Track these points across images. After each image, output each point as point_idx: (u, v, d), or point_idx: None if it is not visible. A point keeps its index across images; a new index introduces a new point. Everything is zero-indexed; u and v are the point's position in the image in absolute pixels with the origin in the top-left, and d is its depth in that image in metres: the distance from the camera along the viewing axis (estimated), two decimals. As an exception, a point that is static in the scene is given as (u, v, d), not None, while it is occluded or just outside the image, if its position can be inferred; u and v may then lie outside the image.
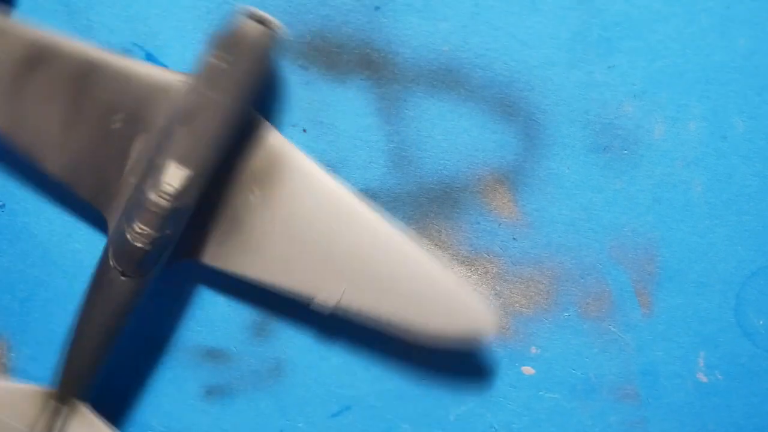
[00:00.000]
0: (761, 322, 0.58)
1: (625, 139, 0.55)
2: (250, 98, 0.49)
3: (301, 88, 0.55)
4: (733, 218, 0.56)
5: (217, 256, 0.53)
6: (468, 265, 0.58)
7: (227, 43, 0.48)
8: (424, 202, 0.57)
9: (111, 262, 0.50)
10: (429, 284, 0.51)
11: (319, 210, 0.51)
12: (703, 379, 0.59)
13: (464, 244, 0.57)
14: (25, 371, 0.61)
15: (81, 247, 0.59)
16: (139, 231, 0.48)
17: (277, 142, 0.51)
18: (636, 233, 0.57)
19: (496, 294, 0.58)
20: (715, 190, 0.56)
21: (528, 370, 0.59)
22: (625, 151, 0.55)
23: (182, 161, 0.47)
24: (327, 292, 0.52)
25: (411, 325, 0.52)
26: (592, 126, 0.55)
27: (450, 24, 0.53)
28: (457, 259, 0.58)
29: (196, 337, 0.60)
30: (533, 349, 0.59)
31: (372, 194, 0.56)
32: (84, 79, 0.50)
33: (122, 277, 0.50)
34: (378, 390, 0.60)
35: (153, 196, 0.47)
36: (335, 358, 0.59)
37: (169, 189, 0.47)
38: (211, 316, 0.59)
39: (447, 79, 0.54)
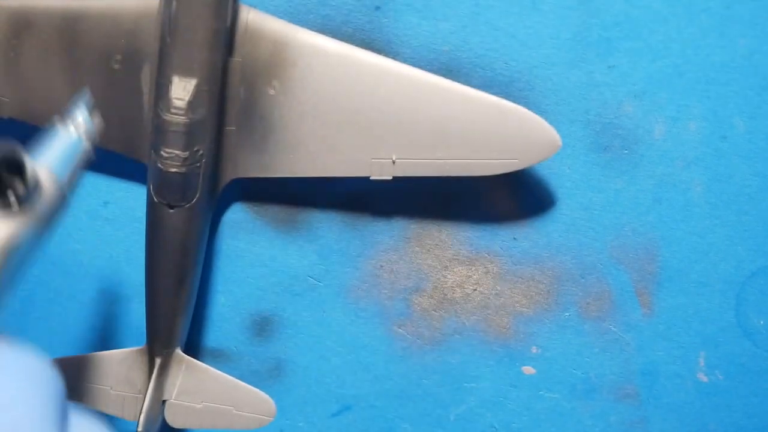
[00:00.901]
0: (761, 322, 0.58)
1: (625, 139, 0.55)
2: None
3: (302, 88, 0.55)
4: (734, 218, 0.56)
5: (261, 165, 0.52)
6: (469, 264, 0.58)
7: None
8: (424, 202, 0.57)
9: (156, 199, 0.49)
10: (476, 116, 0.49)
11: (341, 80, 0.49)
12: (704, 379, 0.59)
13: (465, 244, 0.57)
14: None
15: (81, 247, 0.59)
16: (167, 155, 0.47)
17: (275, 26, 0.49)
18: (636, 233, 0.57)
19: (496, 294, 0.58)
20: (716, 190, 0.56)
21: (528, 369, 0.59)
22: (626, 151, 0.55)
23: (184, 72, 0.46)
24: (379, 164, 0.50)
25: (474, 164, 0.50)
26: (592, 126, 0.55)
27: (450, 24, 0.53)
28: (458, 259, 0.58)
29: (197, 337, 0.60)
30: (534, 349, 0.59)
31: (372, 194, 0.56)
32: (71, 32, 0.50)
33: (171, 210, 0.49)
34: (378, 390, 0.60)
35: (168, 116, 0.47)
36: (335, 358, 0.59)
37: (180, 103, 0.46)
38: (212, 316, 0.59)
39: (447, 78, 0.54)
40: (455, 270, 0.58)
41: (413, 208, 0.57)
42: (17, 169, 0.32)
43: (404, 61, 0.54)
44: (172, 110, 0.47)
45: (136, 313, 0.59)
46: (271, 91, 0.50)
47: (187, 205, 0.50)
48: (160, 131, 0.48)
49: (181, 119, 0.47)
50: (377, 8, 0.53)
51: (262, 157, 0.51)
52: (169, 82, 0.47)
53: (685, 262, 0.57)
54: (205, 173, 0.49)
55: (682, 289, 0.57)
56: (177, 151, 0.47)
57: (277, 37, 0.49)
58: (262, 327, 0.59)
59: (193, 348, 0.60)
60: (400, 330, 0.59)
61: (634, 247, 0.57)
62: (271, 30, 0.49)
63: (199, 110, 0.47)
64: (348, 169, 0.51)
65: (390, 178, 0.50)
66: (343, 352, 0.59)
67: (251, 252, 0.58)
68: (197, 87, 0.47)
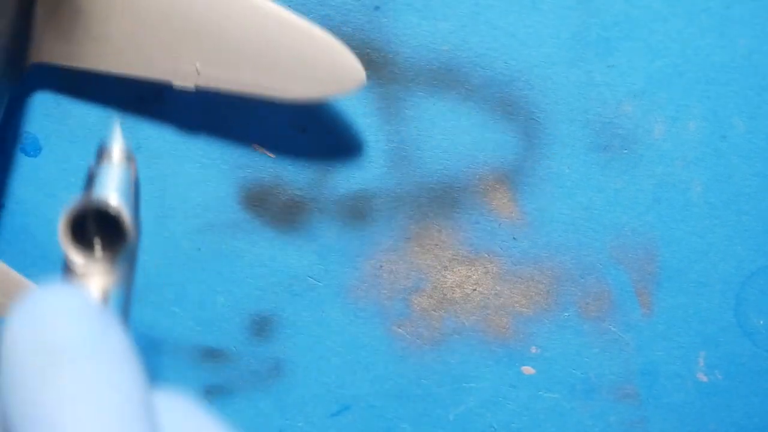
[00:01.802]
0: (761, 322, 0.58)
1: (624, 139, 0.55)
2: None
3: (301, 88, 0.55)
4: (734, 218, 0.56)
5: (65, 53, 0.50)
6: (468, 265, 0.58)
7: None
8: (424, 202, 0.57)
9: None
10: (289, 42, 0.48)
11: None
12: (704, 378, 0.59)
13: (464, 244, 0.57)
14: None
15: (81, 247, 0.59)
16: None
17: None
18: (636, 233, 0.56)
19: (496, 294, 0.58)
20: (715, 190, 0.56)
21: (528, 369, 0.59)
22: (625, 151, 0.55)
23: None
24: (183, 71, 0.49)
25: (276, 89, 0.49)
26: (591, 125, 0.55)
27: (450, 23, 0.53)
28: (458, 259, 0.58)
29: (196, 337, 0.60)
30: (533, 349, 0.59)
31: (372, 194, 0.56)
32: None
33: None
34: (377, 390, 0.60)
35: None
36: (334, 357, 0.59)
37: None
38: (211, 316, 0.59)
39: (447, 78, 0.54)
40: (455, 270, 0.58)
41: (413, 208, 0.57)
42: (105, 222, 0.32)
43: (404, 60, 0.54)
44: None
45: (135, 313, 0.59)
46: None
47: None
48: None
49: None
50: (376, 8, 0.53)
51: (67, 44, 0.50)
52: None
53: (685, 261, 0.57)
54: (0, 53, 0.47)
55: (682, 289, 0.57)
56: None
57: None
58: (261, 327, 0.59)
59: (193, 348, 0.60)
60: (400, 330, 0.59)
61: (633, 247, 0.57)
62: None
63: None
64: (152, 71, 0.50)
65: (193, 87, 0.50)
66: (342, 352, 0.59)
67: (250, 252, 0.58)
68: None
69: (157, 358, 0.60)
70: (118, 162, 0.37)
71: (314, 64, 0.49)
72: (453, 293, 0.58)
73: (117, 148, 0.37)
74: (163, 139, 0.56)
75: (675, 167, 0.55)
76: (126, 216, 0.32)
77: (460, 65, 0.54)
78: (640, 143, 0.55)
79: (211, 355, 0.60)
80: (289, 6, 0.54)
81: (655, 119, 0.54)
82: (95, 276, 0.32)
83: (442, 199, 0.57)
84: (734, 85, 0.54)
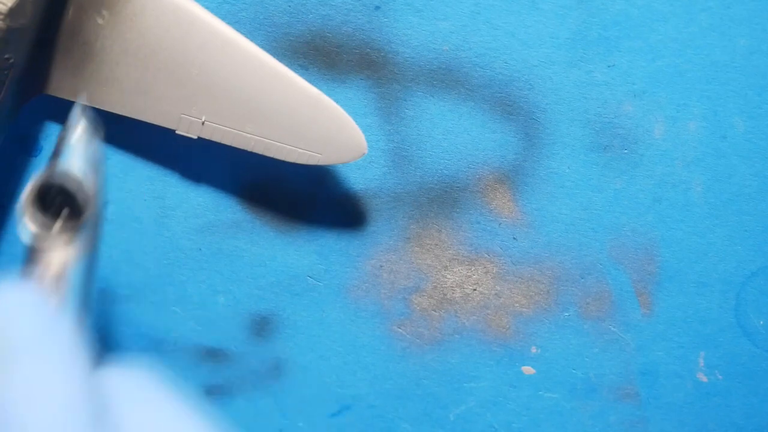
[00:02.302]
0: (761, 322, 0.58)
1: (624, 139, 0.55)
2: None
3: (301, 88, 0.55)
4: (733, 218, 0.56)
5: (73, 89, 0.51)
6: (468, 265, 0.58)
7: None
8: (424, 202, 0.57)
9: None
10: (293, 103, 0.50)
11: (172, 30, 0.49)
12: (703, 379, 0.59)
13: (464, 244, 0.57)
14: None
15: (81, 247, 0.59)
16: None
17: None
18: (636, 233, 0.57)
19: (496, 294, 0.58)
20: (715, 190, 0.56)
21: (528, 369, 0.59)
22: (625, 151, 0.55)
23: None
24: (188, 121, 0.50)
25: (276, 147, 0.50)
26: (592, 125, 0.55)
27: (450, 23, 0.53)
28: (458, 259, 0.58)
29: (196, 337, 0.60)
30: (533, 349, 0.59)
31: (372, 194, 0.56)
32: None
33: None
34: (377, 390, 0.60)
35: None
36: (334, 357, 0.59)
37: (1, 7, 0.45)
38: (211, 316, 0.59)
39: (447, 78, 0.54)
40: (455, 270, 0.58)
41: (413, 208, 0.57)
42: (68, 192, 0.32)
43: (404, 60, 0.54)
44: None
45: (136, 313, 0.59)
46: (100, 20, 0.49)
47: None
48: None
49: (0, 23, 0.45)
50: (377, 8, 0.54)
51: (76, 81, 0.51)
52: None
53: (685, 262, 0.57)
54: (11, 82, 0.48)
55: (682, 289, 0.57)
56: None
57: None
58: (262, 327, 0.59)
59: (193, 347, 0.60)
60: (400, 330, 0.59)
61: (633, 247, 0.57)
62: None
63: (20, 19, 0.46)
64: (156, 117, 0.51)
65: (195, 137, 0.51)
66: (342, 352, 0.59)
67: (250, 252, 0.58)
68: None
69: (157, 357, 0.60)
70: (83, 136, 0.37)
71: (318, 131, 0.50)
72: (453, 293, 0.58)
73: (82, 123, 0.38)
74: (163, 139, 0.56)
75: (675, 167, 0.55)
76: (85, 189, 0.32)
77: (460, 65, 0.54)
78: (640, 143, 0.55)
79: (212, 354, 0.60)
80: (289, 6, 0.54)
81: (656, 119, 0.54)
82: (55, 249, 0.32)
83: (442, 199, 0.57)
84: (734, 84, 0.54)
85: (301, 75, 0.55)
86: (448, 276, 0.58)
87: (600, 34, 0.53)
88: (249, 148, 0.51)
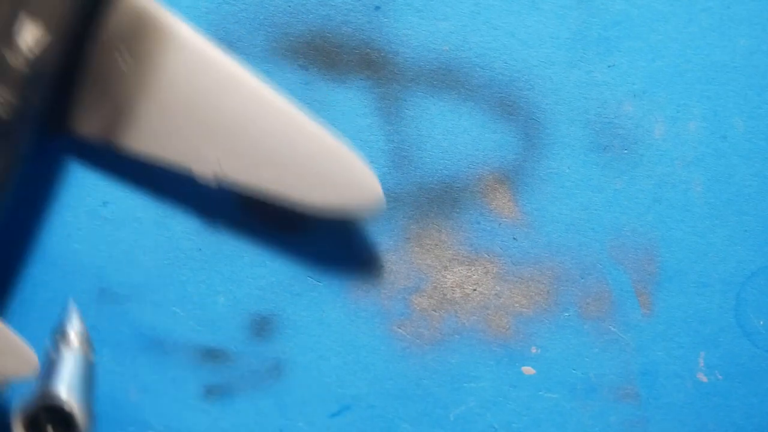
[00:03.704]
0: (761, 323, 0.58)
1: (625, 139, 0.55)
2: None
3: (301, 88, 0.55)
4: (734, 218, 0.56)
5: (90, 129, 0.51)
6: (468, 265, 0.58)
7: None
8: (424, 202, 0.57)
9: None
10: (311, 153, 0.50)
11: (194, 75, 0.50)
12: (703, 379, 0.59)
13: (464, 244, 0.57)
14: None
15: (81, 247, 0.59)
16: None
17: (148, 4, 0.49)
18: (636, 233, 0.56)
19: (496, 294, 0.58)
20: (715, 190, 0.56)
21: (528, 370, 0.59)
22: (625, 151, 0.55)
23: (39, 18, 0.46)
24: (204, 163, 0.51)
25: (293, 195, 0.51)
26: (592, 125, 0.55)
27: (450, 23, 0.53)
28: (458, 259, 0.58)
29: (196, 337, 0.60)
30: (533, 349, 0.59)
31: (372, 194, 0.56)
32: None
33: None
34: (378, 390, 0.60)
35: (10, 60, 0.46)
36: (335, 357, 0.59)
37: (26, 49, 0.46)
38: (211, 316, 0.59)
39: (447, 78, 0.54)
40: (455, 270, 0.58)
41: (413, 208, 0.57)
42: (58, 413, 0.35)
43: (404, 60, 0.54)
44: (16, 53, 0.46)
45: (136, 313, 0.59)
46: (122, 65, 0.50)
47: (8, 154, 0.49)
48: None
49: (22, 65, 0.46)
50: (377, 8, 0.54)
51: (94, 121, 0.51)
52: (21, 23, 0.46)
53: (685, 262, 0.57)
54: (33, 123, 0.49)
55: (682, 290, 0.57)
56: (9, 98, 0.46)
57: (147, 15, 0.49)
58: (262, 327, 0.59)
59: (193, 347, 0.60)
60: (400, 330, 0.59)
61: (633, 247, 0.57)
62: (140, 4, 0.49)
63: (45, 64, 0.47)
64: (174, 157, 0.51)
65: (212, 178, 0.51)
66: (342, 352, 0.59)
67: (251, 252, 0.58)
68: (48, 37, 0.46)
69: (157, 358, 0.60)
70: (75, 348, 0.39)
71: (334, 179, 0.50)
72: (453, 293, 0.58)
73: (73, 332, 0.39)
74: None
75: (675, 167, 0.55)
76: (78, 415, 0.35)
77: (460, 65, 0.54)
78: (640, 143, 0.55)
79: (212, 355, 0.60)
80: (289, 6, 0.54)
81: (656, 119, 0.54)
82: None
83: (442, 199, 0.57)
84: (734, 85, 0.54)
85: (301, 75, 0.55)
86: (448, 276, 0.58)
87: (600, 34, 0.53)
88: (263, 193, 0.51)
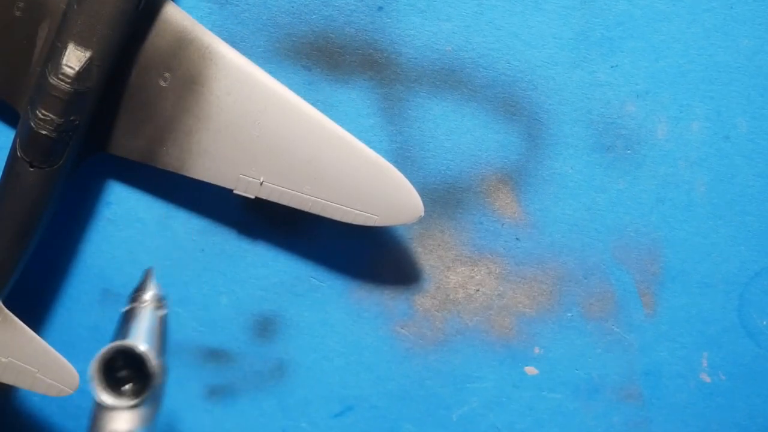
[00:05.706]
0: (764, 323, 0.58)
1: (628, 139, 0.55)
2: None
3: (304, 89, 0.55)
4: (737, 218, 0.56)
5: (132, 148, 0.52)
6: (471, 265, 0.58)
7: None
8: (427, 202, 0.57)
9: (19, 153, 0.49)
10: (355, 169, 0.51)
11: (233, 92, 0.50)
12: (706, 379, 0.59)
13: (467, 245, 0.57)
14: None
15: (82, 247, 0.59)
16: (43, 117, 0.47)
17: (185, 23, 0.50)
18: (639, 233, 0.56)
19: (499, 294, 0.58)
20: (718, 191, 0.56)
21: (531, 370, 0.59)
22: (628, 151, 0.55)
23: (81, 42, 0.47)
24: (246, 181, 0.51)
25: (337, 212, 0.51)
26: (595, 126, 0.55)
27: (453, 24, 0.53)
28: (461, 260, 0.58)
29: (199, 338, 0.60)
30: (536, 350, 0.59)
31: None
32: None
33: (30, 168, 0.49)
34: (380, 390, 0.60)
35: (53, 80, 0.47)
36: (337, 358, 0.59)
37: (69, 71, 0.47)
38: (214, 317, 0.59)
39: (450, 79, 0.54)
40: (458, 270, 0.58)
41: (416, 208, 0.57)
42: (136, 362, 0.37)
43: (407, 61, 0.54)
44: (60, 76, 0.47)
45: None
46: (162, 83, 0.50)
47: (48, 169, 0.49)
48: (42, 91, 0.47)
49: (66, 87, 0.47)
50: (380, 8, 0.54)
51: (135, 140, 0.52)
52: (65, 47, 0.47)
53: (688, 262, 0.57)
54: (74, 143, 0.49)
55: (685, 290, 0.57)
56: (53, 116, 0.47)
57: (183, 34, 0.50)
58: (265, 327, 0.59)
59: (196, 348, 0.60)
60: (403, 330, 0.59)
61: (636, 248, 0.57)
62: (180, 25, 0.50)
63: (86, 83, 0.47)
64: (214, 177, 0.52)
65: (253, 197, 0.52)
66: (345, 353, 0.59)
67: (254, 252, 0.58)
68: (91, 60, 0.47)
69: (160, 358, 0.60)
70: (150, 306, 0.41)
71: (375, 194, 0.51)
72: (456, 294, 0.58)
73: (150, 293, 0.41)
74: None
75: (678, 168, 0.55)
76: (152, 362, 0.36)
77: (463, 66, 0.54)
78: (643, 143, 0.55)
79: (215, 355, 0.60)
80: (293, 7, 0.54)
81: (659, 119, 0.54)
82: (123, 414, 0.36)
83: (445, 200, 0.57)
84: (737, 85, 0.54)
85: (305, 76, 0.55)
86: (451, 276, 0.58)
87: (603, 34, 0.53)
88: (306, 209, 0.51)
